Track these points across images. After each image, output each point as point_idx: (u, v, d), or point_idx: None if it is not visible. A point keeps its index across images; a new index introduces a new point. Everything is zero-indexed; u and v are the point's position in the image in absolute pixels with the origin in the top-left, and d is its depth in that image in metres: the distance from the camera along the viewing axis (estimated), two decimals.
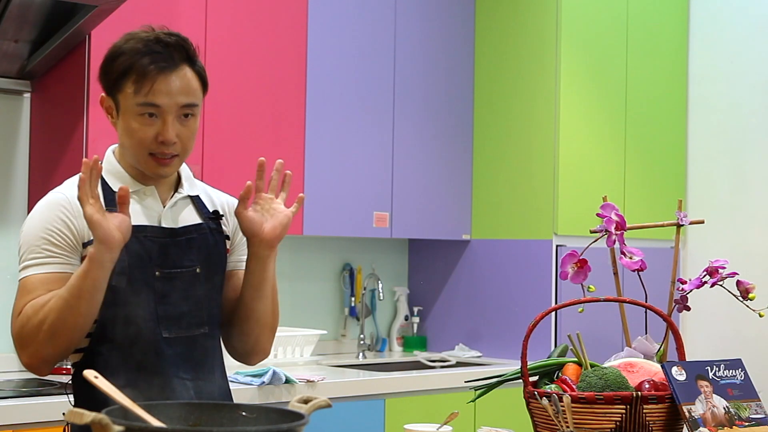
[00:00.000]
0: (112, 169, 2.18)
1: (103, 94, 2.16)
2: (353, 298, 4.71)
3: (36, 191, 3.67)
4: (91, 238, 2.03)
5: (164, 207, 2.20)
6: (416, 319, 4.91)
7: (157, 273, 2.13)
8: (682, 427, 2.07)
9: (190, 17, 3.73)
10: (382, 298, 4.65)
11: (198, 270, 2.19)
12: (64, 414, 1.49)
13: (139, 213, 2.16)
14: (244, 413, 1.66)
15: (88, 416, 1.44)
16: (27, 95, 3.70)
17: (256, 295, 2.23)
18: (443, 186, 4.67)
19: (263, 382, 3.54)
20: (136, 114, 2.11)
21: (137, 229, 2.11)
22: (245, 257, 2.25)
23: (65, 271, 2.07)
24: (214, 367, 2.25)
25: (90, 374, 1.65)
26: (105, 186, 2.15)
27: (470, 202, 4.78)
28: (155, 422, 1.55)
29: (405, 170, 4.51)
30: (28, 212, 3.59)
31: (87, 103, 3.48)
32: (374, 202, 4.40)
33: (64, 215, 2.09)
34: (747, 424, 2.06)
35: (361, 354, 4.60)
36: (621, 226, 2.29)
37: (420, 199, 4.57)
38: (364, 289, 4.71)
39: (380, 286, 4.64)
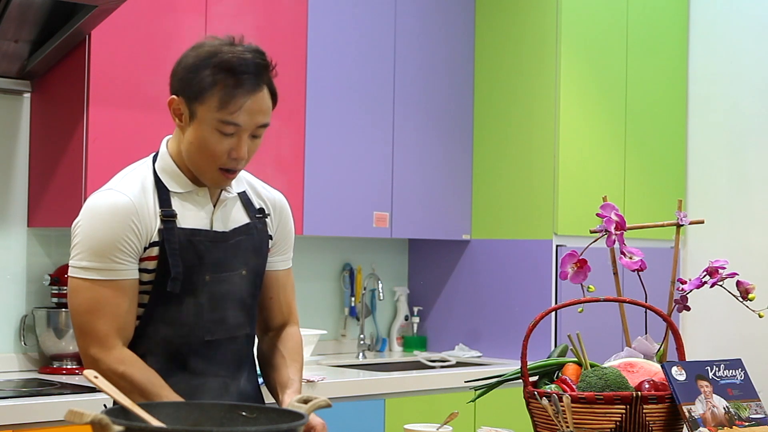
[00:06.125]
0: (167, 167, 2.19)
1: (174, 96, 2.15)
2: (353, 298, 4.70)
3: (36, 191, 3.67)
4: (153, 240, 2.11)
5: (214, 208, 2.21)
6: (416, 319, 4.91)
7: (207, 278, 2.16)
8: (682, 427, 2.07)
9: (190, 18, 3.73)
10: (382, 298, 4.64)
11: (244, 272, 2.22)
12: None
13: (192, 216, 2.17)
14: (244, 413, 1.67)
15: (88, 416, 1.44)
16: (27, 95, 3.70)
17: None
18: (443, 186, 4.66)
19: (263, 382, 3.53)
20: (213, 128, 2.11)
21: (191, 233, 2.14)
22: (278, 257, 2.33)
23: (131, 278, 2.11)
24: (251, 365, 2.31)
25: (90, 374, 1.65)
26: (159, 184, 2.17)
27: (470, 202, 4.78)
28: (155, 422, 1.55)
29: (405, 170, 4.51)
30: (29, 212, 3.67)
31: (87, 103, 3.47)
32: (374, 202, 4.40)
33: (133, 223, 2.10)
34: (747, 424, 2.06)
35: (361, 354, 4.60)
36: (621, 226, 2.29)
37: (420, 199, 4.57)
38: (364, 289, 4.71)
39: (380, 286, 4.63)
